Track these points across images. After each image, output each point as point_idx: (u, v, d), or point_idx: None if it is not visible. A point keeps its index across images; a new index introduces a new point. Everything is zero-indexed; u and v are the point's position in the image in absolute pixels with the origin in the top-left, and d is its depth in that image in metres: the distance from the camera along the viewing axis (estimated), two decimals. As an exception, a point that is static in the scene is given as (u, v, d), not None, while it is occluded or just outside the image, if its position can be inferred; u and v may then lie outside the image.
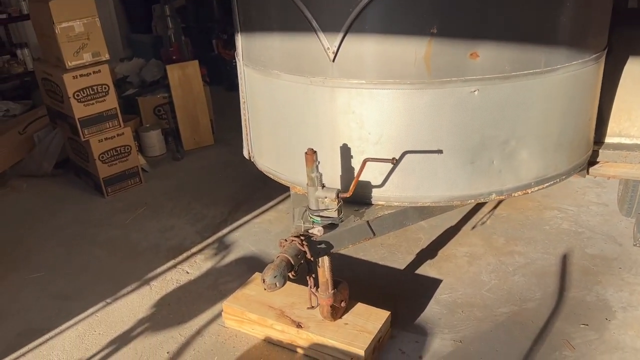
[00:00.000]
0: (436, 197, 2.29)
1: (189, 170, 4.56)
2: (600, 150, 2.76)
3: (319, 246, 2.13)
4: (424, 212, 2.39)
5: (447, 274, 2.99)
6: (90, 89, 3.89)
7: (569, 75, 2.22)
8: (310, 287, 2.14)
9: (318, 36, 2.16)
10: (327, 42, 2.15)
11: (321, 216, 2.18)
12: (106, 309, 2.91)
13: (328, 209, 2.17)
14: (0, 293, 3.10)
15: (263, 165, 2.75)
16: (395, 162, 2.06)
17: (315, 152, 2.10)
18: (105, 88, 3.96)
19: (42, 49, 4.14)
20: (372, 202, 2.35)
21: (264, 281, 1.93)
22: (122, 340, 2.67)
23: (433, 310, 2.72)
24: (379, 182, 2.29)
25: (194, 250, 3.40)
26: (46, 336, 2.73)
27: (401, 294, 2.86)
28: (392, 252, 3.22)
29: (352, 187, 2.11)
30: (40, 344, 2.68)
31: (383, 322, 2.46)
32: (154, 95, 4.97)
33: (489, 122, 2.18)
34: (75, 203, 4.12)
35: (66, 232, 3.71)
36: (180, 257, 3.33)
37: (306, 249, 2.04)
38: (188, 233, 3.59)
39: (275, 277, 1.91)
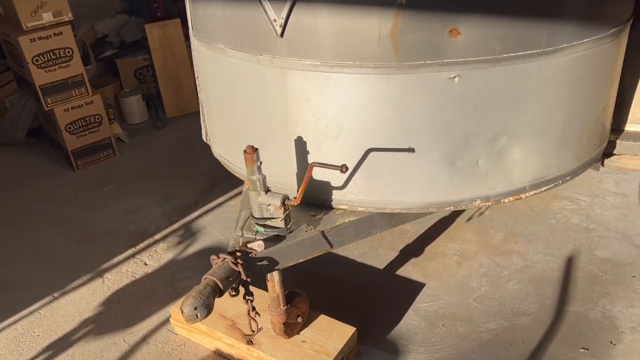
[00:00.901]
0: (408, 203, 1.90)
1: (168, 141, 4.21)
2: (618, 141, 2.31)
3: (260, 263, 1.78)
4: (393, 219, 2.01)
5: (431, 277, 2.62)
6: (51, 53, 3.52)
7: (579, 56, 1.77)
8: (249, 312, 1.81)
9: (262, 4, 1.74)
10: (273, 12, 1.73)
11: (265, 226, 1.82)
12: (51, 305, 2.64)
13: (273, 218, 1.80)
14: (-56, 281, 2.86)
15: (216, 152, 2.38)
16: (346, 170, 1.66)
17: (256, 150, 1.72)
18: (68, 52, 3.58)
19: (2, 6, 3.75)
20: (333, 206, 1.97)
21: (182, 312, 1.59)
22: (61, 345, 2.40)
23: (410, 322, 2.37)
24: (339, 184, 1.91)
25: (157, 237, 3.08)
26: (-19, 336, 2.48)
27: (376, 299, 2.51)
28: (373, 246, 2.85)
29: (299, 194, 1.73)
30: (-27, 346, 2.43)
31: (346, 341, 2.13)
32: (134, 57, 4.58)
33: (474, 115, 1.76)
34: (44, 176, 3.83)
35: (27, 209, 3.43)
36: (141, 245, 3.02)
37: (240, 269, 1.68)
38: (154, 216, 3.27)
39: (195, 308, 1.57)
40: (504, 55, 1.68)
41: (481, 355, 2.19)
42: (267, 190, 1.78)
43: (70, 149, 3.79)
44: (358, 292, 2.57)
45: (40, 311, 2.61)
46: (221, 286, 1.65)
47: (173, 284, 2.71)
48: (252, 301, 1.79)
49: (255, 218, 1.82)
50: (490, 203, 1.93)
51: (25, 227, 3.26)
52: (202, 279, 1.67)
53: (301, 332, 2.18)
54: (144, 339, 2.40)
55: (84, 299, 2.66)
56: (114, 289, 2.72)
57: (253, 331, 1.83)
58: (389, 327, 2.36)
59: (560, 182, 2.02)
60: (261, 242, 1.76)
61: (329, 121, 1.82)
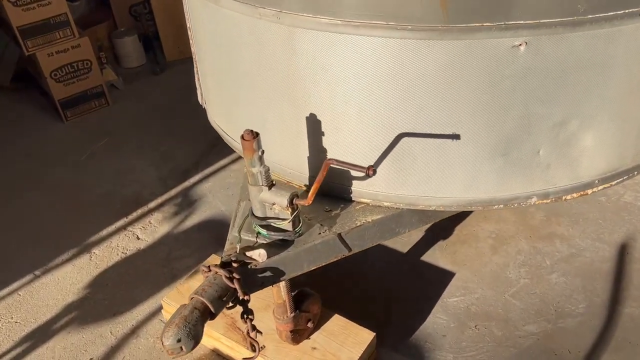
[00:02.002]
0: (446, 200, 1.53)
1: (167, 89, 3.80)
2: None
3: (261, 275, 1.44)
4: (426, 216, 1.64)
5: (462, 265, 2.28)
6: (28, -13, 3.06)
7: (687, 17, 1.32)
8: (248, 334, 1.48)
9: (265, -59, 1.30)
10: (279, -49, 1.29)
11: (269, 227, 1.46)
12: (32, 285, 2.35)
13: (279, 219, 1.44)
14: None
15: (213, 120, 1.99)
16: (373, 173, 1.27)
17: (256, 136, 1.34)
18: (49, -13, 3.12)
19: None
20: (352, 199, 1.60)
21: (162, 343, 1.27)
22: (41, 335, 2.13)
23: (437, 322, 2.06)
24: (362, 173, 1.52)
25: (151, 205, 2.75)
26: (-46, 320, 2.22)
27: (399, 292, 2.19)
28: (395, 224, 2.50)
29: (311, 194, 1.36)
30: (-55, 332, 2.17)
31: (364, 349, 1.82)
32: (129, -9, 4.08)
33: (539, 94, 1.35)
34: (31, 128, 3.47)
35: (12, 170, 3.11)
36: (134, 215, 2.70)
37: (237, 285, 1.34)
38: (149, 180, 2.93)
39: (179, 340, 1.25)
40: (589, 17, 1.24)
41: (520, 367, 1.88)
42: (271, 185, 1.41)
43: (58, 99, 3.40)
44: (377, 281, 2.24)
45: (19, 292, 2.33)
46: (212, 309, 1.32)
47: (168, 264, 2.41)
48: (252, 320, 1.46)
49: (257, 217, 1.46)
50: (549, 200, 1.54)
51: (11, 190, 2.94)
52: (189, 299, 1.33)
53: (311, 337, 1.88)
54: (134, 331, 2.12)
55: (68, 279, 2.37)
56: (102, 267, 2.42)
57: (254, 351, 1.51)
58: (413, 326, 2.05)
59: (635, 173, 1.62)
60: (263, 251, 1.41)
61: (350, 97, 1.42)
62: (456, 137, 1.40)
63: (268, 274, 1.45)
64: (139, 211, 2.72)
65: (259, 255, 1.41)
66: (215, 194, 2.79)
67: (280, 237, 1.46)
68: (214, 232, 2.55)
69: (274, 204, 1.41)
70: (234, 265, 1.40)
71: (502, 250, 2.33)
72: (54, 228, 2.65)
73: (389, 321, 2.07)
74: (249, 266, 1.41)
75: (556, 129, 1.42)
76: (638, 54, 1.35)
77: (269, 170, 1.40)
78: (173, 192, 2.83)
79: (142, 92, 3.79)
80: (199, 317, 1.29)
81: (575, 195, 1.56)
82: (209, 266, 1.38)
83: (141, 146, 3.21)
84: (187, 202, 2.76)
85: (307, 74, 1.43)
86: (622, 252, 2.27)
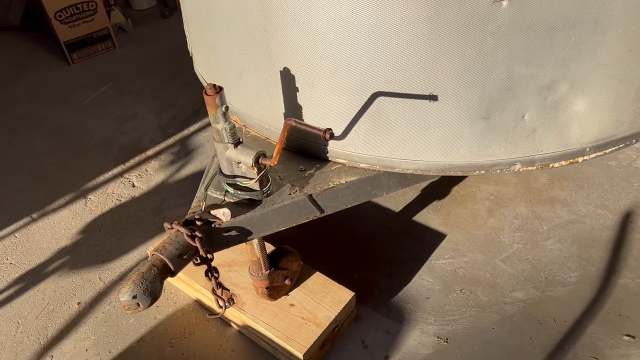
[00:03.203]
0: (425, 164, 1.45)
1: (175, 33, 3.72)
2: None
3: (226, 234, 1.41)
4: (405, 179, 1.57)
5: (455, 226, 2.22)
6: None
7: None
8: (213, 290, 1.47)
9: None
10: None
11: (236, 186, 1.42)
12: (28, 228, 2.40)
13: (246, 177, 1.40)
14: None
15: (197, 72, 1.92)
16: (331, 137, 1.20)
17: (219, 90, 1.27)
18: None
19: None
20: (328, 159, 1.54)
21: (119, 299, 1.26)
22: (33, 277, 2.18)
23: (422, 284, 2.02)
24: (338, 132, 1.46)
25: (149, 152, 2.74)
26: (-47, 259, 2.28)
27: (386, 251, 2.15)
28: (391, 181, 2.43)
29: (275, 154, 1.30)
30: (-56, 270, 2.24)
31: (341, 308, 1.81)
32: None
33: (524, 54, 1.24)
34: (37, 70, 3.46)
35: (16, 110, 3.12)
36: (132, 162, 2.69)
37: (198, 244, 1.32)
38: (149, 126, 2.91)
39: (134, 296, 1.24)
40: (582, -32, 1.12)
41: (502, 333, 1.85)
42: (238, 143, 1.36)
43: (63, 41, 3.37)
44: (365, 240, 2.20)
45: (16, 234, 2.37)
46: (171, 266, 1.30)
47: (160, 212, 2.41)
48: (217, 278, 1.45)
49: (224, 175, 1.42)
50: (534, 168, 1.45)
51: (14, 132, 2.96)
52: (149, 254, 1.32)
53: (290, 294, 1.87)
54: (122, 278, 2.15)
55: (63, 223, 2.40)
56: (96, 213, 2.44)
57: (221, 307, 1.51)
58: (396, 287, 2.02)
59: (633, 141, 1.51)
60: (227, 210, 1.38)
61: (324, 51, 1.33)
62: (434, 97, 1.32)
63: (234, 233, 1.42)
64: (137, 158, 2.71)
65: (223, 215, 1.38)
66: (212, 144, 2.74)
67: (248, 197, 1.42)
68: (208, 182, 2.52)
69: (239, 163, 1.36)
70: (198, 223, 1.37)
71: (498, 214, 2.25)
72: (52, 172, 2.67)
73: (373, 281, 2.04)
74: (212, 225, 1.38)
75: (543, 92, 1.31)
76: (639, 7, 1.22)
77: (234, 127, 1.34)
78: (171, 140, 2.81)
79: (149, 36, 3.72)
80: (157, 274, 1.28)
81: (564, 163, 1.46)
82: (171, 222, 1.36)
83: (144, 92, 3.17)
84: (184, 151, 2.73)
85: (280, 23, 1.35)
86: (626, 221, 2.17)
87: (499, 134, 1.38)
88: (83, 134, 2.91)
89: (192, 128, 2.88)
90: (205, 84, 1.84)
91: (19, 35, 3.84)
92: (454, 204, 2.31)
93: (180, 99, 3.09)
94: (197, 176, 2.58)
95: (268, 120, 1.60)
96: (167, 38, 3.69)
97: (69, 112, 3.07)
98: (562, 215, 2.22)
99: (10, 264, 2.25)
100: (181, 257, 1.32)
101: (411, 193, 2.37)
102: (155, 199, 2.48)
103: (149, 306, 1.27)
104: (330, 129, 1.18)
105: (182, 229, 1.32)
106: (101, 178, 2.62)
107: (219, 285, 1.46)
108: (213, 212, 1.39)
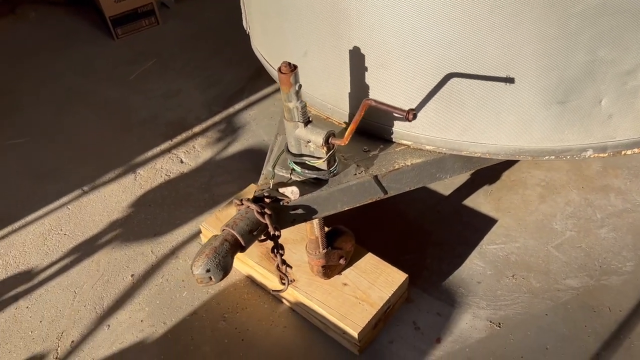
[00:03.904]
0: (494, 147, 1.44)
1: (219, 10, 3.71)
2: None
3: (293, 212, 1.42)
4: (470, 162, 1.55)
5: (505, 212, 2.20)
6: None
7: None
8: (278, 267, 1.49)
9: None
10: None
11: (304, 165, 1.42)
12: (80, 201, 2.44)
13: (314, 157, 1.40)
14: (-23, 161, 2.71)
15: (255, 47, 1.92)
16: (413, 117, 1.19)
17: (294, 69, 1.27)
18: None
19: None
20: (393, 140, 1.53)
21: (192, 272, 1.29)
22: (87, 248, 2.23)
23: (473, 268, 2.02)
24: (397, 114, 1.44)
25: (196, 129, 2.76)
26: (9, 228, 2.35)
27: (436, 234, 2.15)
28: (439, 164, 2.42)
29: (347, 134, 1.30)
30: (0, 238, 2.30)
31: (395, 289, 1.82)
32: None
33: (611, 37, 1.21)
34: (82, 45, 3.50)
35: (63, 83, 3.16)
36: (179, 138, 2.72)
37: (267, 221, 1.33)
38: (195, 103, 2.93)
39: (208, 270, 1.26)
40: (681, -52, 1.08)
41: (555, 320, 1.84)
42: (308, 122, 1.36)
43: (109, 16, 3.39)
44: (415, 223, 2.20)
45: (68, 206, 2.42)
46: (242, 242, 1.32)
47: (209, 189, 2.44)
48: (282, 255, 1.46)
49: (292, 154, 1.42)
50: (606, 154, 1.43)
51: (61, 106, 3.00)
52: (220, 230, 1.34)
53: (343, 273, 1.88)
54: (173, 252, 2.19)
55: (114, 197, 2.44)
56: (146, 187, 2.48)
57: (283, 284, 1.53)
58: (447, 270, 2.02)
59: None
60: (295, 189, 1.38)
61: (399, 30, 1.31)
62: (510, 80, 1.29)
63: (300, 211, 1.43)
64: (183, 135, 2.73)
65: (291, 193, 1.38)
66: (258, 123, 2.76)
67: (315, 176, 1.42)
68: (255, 161, 2.54)
69: (309, 142, 1.37)
70: (266, 200, 1.38)
71: (550, 200, 2.23)
72: (101, 146, 2.71)
73: (424, 264, 2.04)
74: (281, 202, 1.39)
75: (624, 77, 1.28)
76: None
77: (305, 105, 1.34)
78: (217, 117, 2.83)
79: (192, 12, 3.72)
80: (228, 249, 1.30)
81: (637, 150, 1.43)
82: (241, 199, 1.37)
83: (188, 69, 3.19)
84: (230, 129, 2.75)
85: (351, 2, 1.33)
86: (682, 211, 2.13)
87: (573, 119, 1.36)
88: (129, 109, 2.94)
89: (237, 106, 2.88)
90: (263, 62, 1.85)
91: (65, 9, 3.87)
92: (504, 189, 2.29)
93: (225, 76, 3.09)
94: (244, 154, 2.60)
95: (331, 99, 1.59)
96: (208, 15, 3.69)
97: (114, 87, 3.10)
98: (616, 204, 2.18)
99: (65, 234, 2.30)
100: (251, 233, 1.34)
101: (460, 177, 2.36)
102: (204, 176, 2.50)
103: (220, 280, 1.29)
104: (413, 110, 1.17)
105: (253, 206, 1.33)
106: (149, 153, 2.65)
107: (284, 262, 1.47)
108: (281, 190, 1.40)
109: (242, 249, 1.34)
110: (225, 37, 3.42)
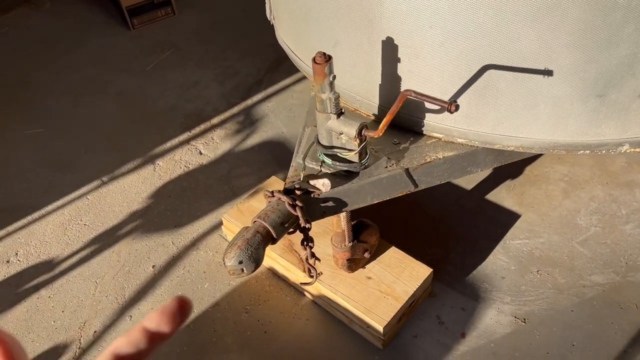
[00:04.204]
0: (528, 141, 1.41)
1: (231, 1, 3.68)
2: None
3: (323, 204, 1.41)
4: (502, 156, 1.53)
5: (529, 207, 2.18)
6: None
7: None
8: (307, 260, 1.48)
9: None
10: None
11: (334, 157, 1.41)
12: (100, 191, 2.44)
13: (345, 149, 1.38)
14: (-5, 150, 2.71)
15: (280, 38, 1.90)
16: (455, 109, 1.17)
17: (328, 59, 1.25)
18: None
19: None
20: (423, 132, 1.51)
21: (224, 264, 1.28)
22: (107, 239, 2.23)
23: (497, 263, 2.00)
24: (436, 105, 1.42)
25: (214, 121, 2.75)
26: (29, 217, 2.35)
27: (459, 229, 2.13)
28: (461, 158, 2.39)
29: (382, 126, 1.28)
30: (21, 228, 2.31)
31: (419, 284, 1.80)
32: None
33: (655, 30, 1.18)
34: (98, 35, 3.48)
35: (79, 75, 3.15)
36: (197, 130, 2.71)
37: (299, 213, 1.32)
38: (213, 95, 2.91)
39: (240, 262, 1.25)
40: None
41: (581, 316, 1.82)
42: (340, 113, 1.34)
43: (125, 6, 3.37)
44: (437, 217, 2.18)
45: (88, 196, 2.42)
46: (274, 234, 1.31)
47: (229, 181, 2.43)
48: (311, 247, 1.45)
49: (322, 146, 1.41)
50: (642, 149, 1.41)
51: (79, 96, 3.00)
52: (252, 222, 1.32)
53: (367, 267, 1.87)
54: (194, 243, 2.18)
55: (133, 187, 2.44)
56: (165, 179, 2.47)
57: (311, 276, 1.52)
58: (471, 265, 2.00)
59: None
60: (327, 181, 1.37)
61: (436, 19, 1.29)
62: (549, 72, 1.27)
63: (330, 204, 1.41)
64: (202, 126, 2.72)
65: (322, 185, 1.37)
66: (277, 115, 2.75)
67: (345, 168, 1.40)
68: (275, 153, 2.53)
69: (341, 134, 1.35)
70: (297, 192, 1.36)
71: (574, 195, 2.20)
72: (119, 137, 2.71)
73: (447, 258, 2.02)
74: (311, 195, 1.38)
75: (666, 71, 1.26)
76: None
77: (339, 97, 1.32)
78: (235, 109, 2.81)
79: (208, 3, 3.69)
80: (260, 240, 1.29)
81: (674, 145, 1.41)
82: (272, 191, 1.36)
83: (205, 60, 3.17)
84: (249, 121, 2.73)
85: (388, -8, 1.31)
86: None
87: (611, 113, 1.33)
88: (147, 100, 2.93)
89: (255, 98, 2.87)
90: (289, 53, 1.83)
91: (80, 1, 3.85)
92: (527, 184, 2.27)
93: (242, 67, 3.07)
94: (263, 147, 2.58)
95: (360, 91, 1.57)
96: (224, 6, 3.66)
97: (131, 78, 3.09)
98: (641, 200, 2.16)
99: (85, 225, 2.30)
100: (282, 225, 1.33)
101: (484, 172, 2.33)
102: (223, 167, 2.49)
103: (252, 272, 1.28)
104: (455, 101, 1.15)
105: (284, 198, 1.32)
106: (168, 144, 2.64)
107: (313, 254, 1.46)
108: (312, 182, 1.39)
109: (274, 241, 1.33)
110: (241, 28, 3.40)
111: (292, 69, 2.97)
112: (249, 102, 2.84)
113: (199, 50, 3.25)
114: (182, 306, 0.47)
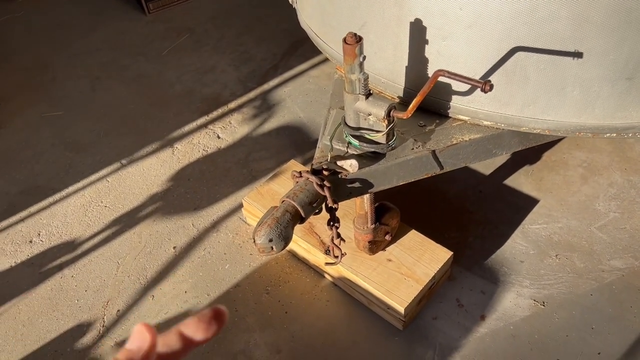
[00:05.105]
0: (554, 124, 1.42)
1: (249, -14, 3.68)
2: None
3: (350, 185, 1.42)
4: (527, 139, 1.54)
5: (548, 192, 2.19)
6: None
7: None
8: (332, 239, 1.49)
9: None
10: None
11: (361, 138, 1.42)
12: (119, 173, 2.46)
13: (372, 130, 1.39)
14: (14, 132, 2.73)
15: (304, 22, 1.90)
16: (490, 89, 1.18)
17: (359, 40, 1.26)
18: None
19: None
20: (449, 115, 1.52)
21: (254, 241, 1.29)
22: (128, 220, 2.25)
23: (516, 247, 2.01)
24: (463, 87, 1.44)
25: (231, 105, 2.76)
26: (50, 199, 2.37)
27: (478, 214, 2.14)
28: (478, 144, 2.40)
29: (412, 107, 1.29)
30: (42, 209, 2.33)
31: (440, 266, 1.82)
32: None
33: (688, 11, 1.18)
34: (113, 20, 3.49)
35: (96, 59, 3.17)
36: (215, 114, 2.72)
37: (327, 193, 1.34)
38: (229, 79, 2.92)
39: (270, 240, 1.27)
40: None
41: (600, 300, 1.84)
42: (369, 95, 1.35)
43: (141, -10, 3.37)
44: (456, 202, 2.19)
45: (108, 179, 2.44)
46: (302, 213, 1.32)
47: (247, 165, 2.44)
48: (337, 228, 1.46)
49: (350, 127, 1.42)
50: (669, 133, 1.41)
51: (97, 80, 3.01)
52: (280, 202, 1.34)
53: (387, 249, 1.89)
54: (214, 225, 2.20)
55: (152, 170, 2.46)
56: (184, 162, 2.49)
57: (336, 257, 1.53)
58: (489, 249, 2.01)
59: None
60: (354, 162, 1.38)
61: (467, 0, 1.29)
62: (579, 55, 1.27)
63: (357, 185, 1.43)
64: (219, 110, 2.73)
65: (350, 166, 1.38)
66: (294, 99, 2.75)
67: (372, 150, 1.42)
68: (292, 137, 2.54)
69: (369, 115, 1.36)
70: (325, 173, 1.38)
71: (592, 181, 2.21)
72: (137, 120, 2.72)
73: (465, 242, 2.04)
74: (339, 175, 1.39)
75: (696, 53, 1.26)
76: None
77: (368, 78, 1.33)
78: (252, 94, 2.82)
79: (222, -12, 3.69)
80: (290, 219, 1.30)
81: (700, 129, 1.41)
82: (300, 172, 1.37)
83: (221, 44, 3.17)
84: (266, 105, 2.74)
85: (419, -27, 1.31)
86: None
87: (638, 95, 1.34)
88: (164, 84, 2.94)
89: (271, 83, 2.87)
90: (313, 36, 1.83)
91: (93, -17, 3.85)
92: (545, 169, 2.27)
93: (258, 52, 3.08)
94: (281, 131, 2.59)
95: (386, 73, 1.58)
96: (240, -9, 3.66)
97: (148, 62, 3.10)
98: (660, 186, 2.16)
99: (105, 206, 2.32)
100: (311, 205, 1.34)
101: (502, 157, 2.34)
102: (241, 151, 2.51)
103: (281, 250, 1.30)
104: (489, 81, 1.16)
105: (313, 178, 1.33)
106: (186, 128, 2.65)
107: (339, 235, 1.48)
108: (339, 162, 1.40)
109: (302, 220, 1.34)
110: (256, 13, 3.40)
111: (308, 53, 2.99)
112: (266, 86, 2.85)
113: (215, 35, 3.25)
114: (218, 316, 0.49)
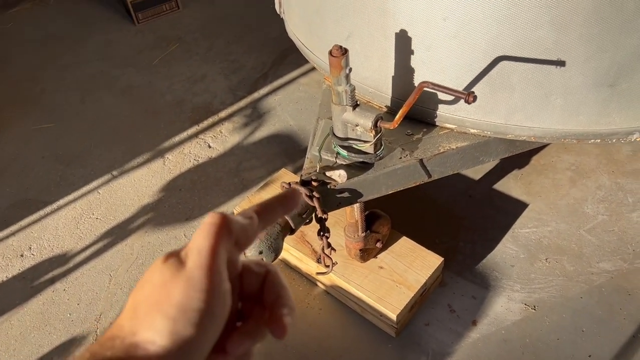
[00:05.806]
0: (540, 131, 1.44)
1: (236, -5, 3.69)
2: None
3: (339, 195, 1.43)
4: (514, 146, 1.56)
5: (536, 196, 2.21)
6: None
7: None
8: (323, 249, 1.50)
9: None
10: None
11: (349, 149, 1.43)
12: (110, 185, 2.46)
13: (360, 140, 1.40)
14: (4, 144, 2.72)
15: (291, 32, 1.92)
16: (473, 100, 1.19)
17: (345, 52, 1.27)
18: None
19: None
20: (436, 124, 1.54)
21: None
22: (120, 232, 2.25)
23: (506, 252, 2.03)
24: (449, 97, 1.45)
25: (222, 114, 2.77)
26: (41, 212, 2.37)
27: (467, 219, 2.16)
28: (468, 149, 2.42)
29: (398, 117, 1.30)
30: (33, 222, 2.33)
31: (431, 273, 1.83)
32: None
33: (667, 19, 1.20)
34: (103, 30, 3.49)
35: (86, 70, 3.17)
36: (205, 123, 2.73)
37: (316, 204, 1.35)
38: (219, 88, 2.93)
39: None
40: None
41: (590, 302, 1.85)
42: (356, 105, 1.36)
43: (130, 0, 3.38)
44: (445, 207, 2.21)
45: (99, 190, 2.44)
46: (292, 225, 1.33)
47: (238, 174, 2.45)
48: (328, 238, 1.47)
49: (338, 137, 1.43)
50: (652, 138, 1.43)
51: (87, 92, 3.01)
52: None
53: (379, 257, 1.90)
54: (206, 236, 2.20)
55: (143, 181, 2.46)
56: (175, 172, 2.49)
57: (327, 266, 1.54)
58: (480, 254, 2.03)
59: None
60: (343, 172, 1.39)
61: (449, 10, 1.31)
62: (562, 63, 1.29)
63: (346, 194, 1.44)
64: (210, 120, 2.74)
65: (338, 176, 1.39)
66: (284, 108, 2.76)
67: (361, 160, 1.43)
68: (283, 145, 2.55)
69: (357, 125, 1.37)
70: (314, 184, 1.39)
71: (580, 184, 2.23)
72: (127, 131, 2.73)
73: (456, 247, 2.05)
74: (328, 186, 1.40)
75: (676, 60, 1.28)
76: None
77: (354, 89, 1.34)
78: (242, 102, 2.83)
79: (211, -3, 3.71)
80: (279, 231, 1.31)
81: (683, 133, 1.43)
82: (289, 183, 1.38)
83: (211, 54, 3.18)
84: (256, 114, 2.75)
85: (403, -15, 1.33)
86: None
87: (622, 102, 1.36)
88: (154, 94, 2.95)
89: (262, 91, 2.88)
90: (301, 46, 1.84)
91: (82, -6, 3.86)
92: (534, 173, 2.29)
93: (247, 61, 3.09)
94: (271, 139, 2.60)
95: (372, 83, 1.59)
96: (227, 0, 3.67)
97: (138, 72, 3.11)
98: (647, 188, 2.18)
99: (97, 218, 2.32)
100: (300, 216, 1.35)
101: (491, 161, 2.35)
102: (232, 160, 2.51)
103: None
104: (473, 92, 1.17)
105: (302, 189, 1.34)
106: (177, 138, 2.66)
107: (329, 245, 1.49)
108: (328, 173, 1.41)
109: (292, 231, 1.35)
110: (245, 22, 3.41)
111: (297, 62, 3.00)
112: (256, 95, 2.86)
113: (204, 45, 3.26)
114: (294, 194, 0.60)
